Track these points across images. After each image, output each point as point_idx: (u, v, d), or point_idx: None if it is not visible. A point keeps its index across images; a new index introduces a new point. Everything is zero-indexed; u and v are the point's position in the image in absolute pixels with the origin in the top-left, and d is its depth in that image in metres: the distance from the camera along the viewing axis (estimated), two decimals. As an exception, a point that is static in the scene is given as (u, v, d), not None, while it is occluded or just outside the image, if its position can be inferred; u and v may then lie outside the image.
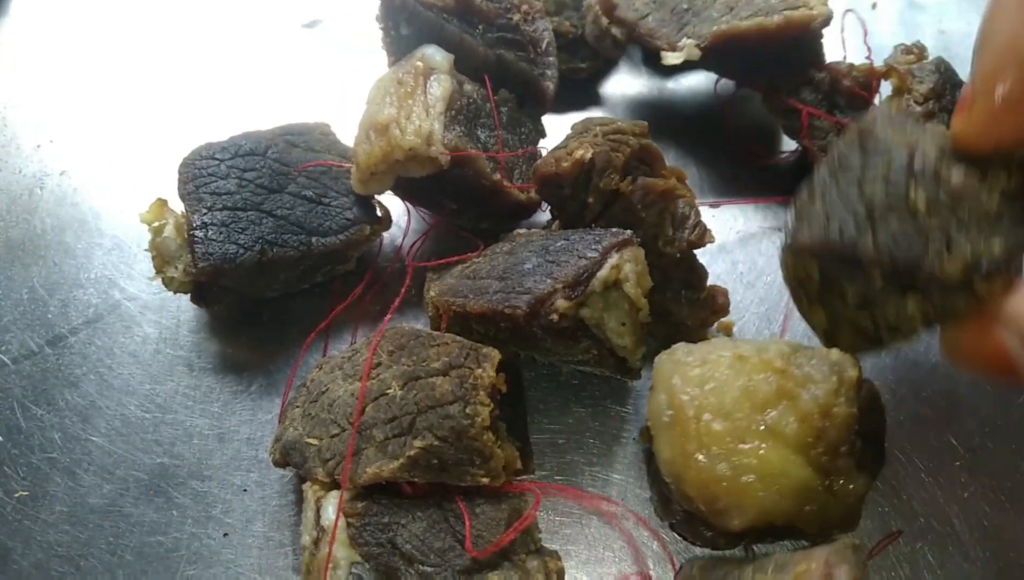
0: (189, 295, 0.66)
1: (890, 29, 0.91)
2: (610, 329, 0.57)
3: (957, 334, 0.47)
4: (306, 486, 0.56)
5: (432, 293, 0.60)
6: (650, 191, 0.61)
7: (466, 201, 0.68)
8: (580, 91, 0.83)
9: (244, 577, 0.60)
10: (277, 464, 0.59)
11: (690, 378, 0.53)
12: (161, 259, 0.63)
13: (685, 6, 0.74)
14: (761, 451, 0.50)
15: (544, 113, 0.74)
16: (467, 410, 0.51)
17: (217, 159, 0.65)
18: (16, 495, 0.63)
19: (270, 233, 0.63)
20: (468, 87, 0.66)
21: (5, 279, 0.73)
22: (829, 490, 0.51)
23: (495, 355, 0.54)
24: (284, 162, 0.66)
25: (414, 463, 0.51)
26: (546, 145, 0.71)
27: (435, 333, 0.57)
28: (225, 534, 0.61)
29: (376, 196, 0.69)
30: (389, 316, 0.62)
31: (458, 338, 0.55)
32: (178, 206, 0.65)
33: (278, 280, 0.66)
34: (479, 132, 0.66)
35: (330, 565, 0.51)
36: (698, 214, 0.63)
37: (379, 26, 0.68)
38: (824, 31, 0.71)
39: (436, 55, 0.65)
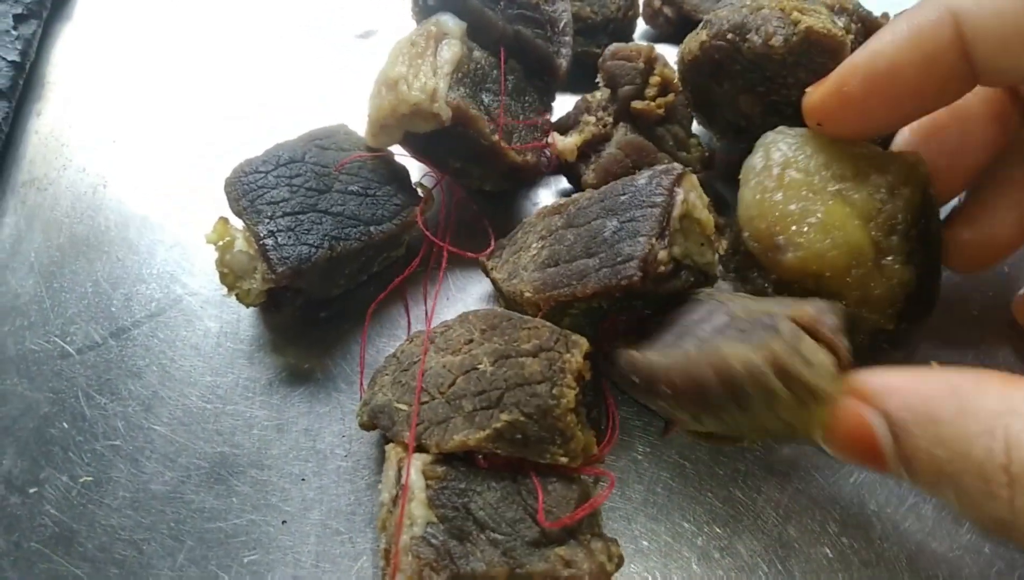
0: (263, 313, 0.69)
1: None
2: (695, 253, 0.60)
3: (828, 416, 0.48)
4: (389, 446, 0.58)
5: (527, 294, 0.62)
6: None
7: (468, 160, 0.72)
8: (595, 74, 0.86)
9: (302, 563, 0.61)
10: (364, 426, 0.61)
11: (787, 142, 0.61)
12: (233, 275, 0.65)
13: None
14: (829, 203, 0.57)
15: (555, 87, 0.78)
16: (554, 391, 0.53)
17: (262, 172, 0.67)
18: (81, 480, 0.65)
19: (333, 229, 0.66)
20: (477, 53, 0.71)
21: (70, 273, 0.76)
22: (877, 264, 0.58)
23: (584, 343, 0.56)
24: (322, 164, 0.69)
25: (499, 435, 0.53)
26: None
27: (526, 317, 0.59)
28: (283, 521, 0.63)
29: (417, 180, 0.74)
30: (436, 292, 0.65)
31: (548, 324, 0.58)
32: (237, 223, 0.67)
33: (343, 274, 0.69)
34: (483, 96, 0.70)
35: (407, 521, 0.53)
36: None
37: None
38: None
39: (450, 21, 0.69)
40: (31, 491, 0.65)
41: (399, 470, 0.56)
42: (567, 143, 0.70)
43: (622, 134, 0.69)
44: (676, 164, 0.61)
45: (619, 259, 0.57)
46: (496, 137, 0.68)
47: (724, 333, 0.51)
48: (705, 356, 0.50)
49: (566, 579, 0.52)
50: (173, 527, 0.63)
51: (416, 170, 0.75)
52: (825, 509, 0.63)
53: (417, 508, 0.53)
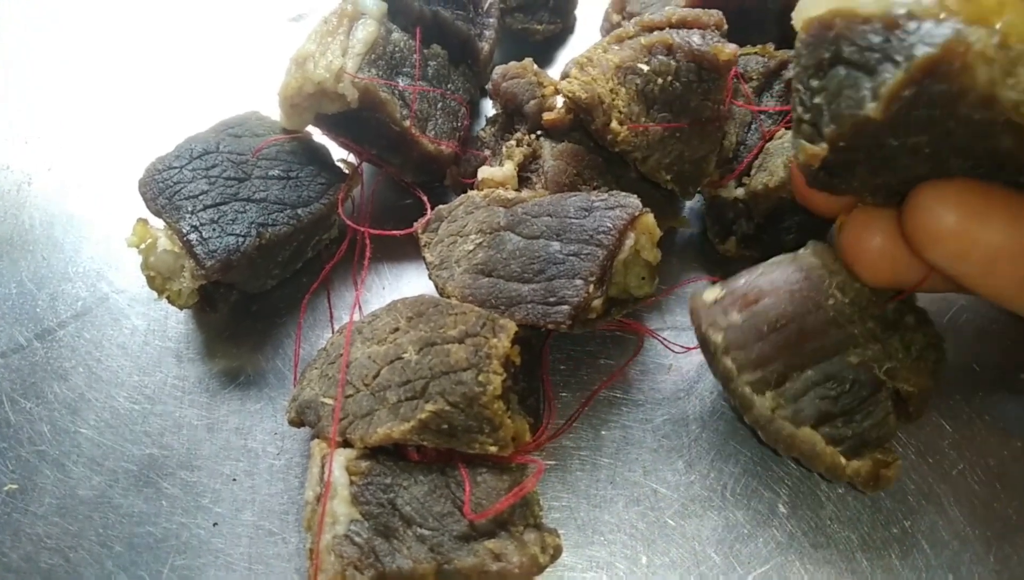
0: (194, 310, 0.66)
1: None
2: (633, 287, 0.59)
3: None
4: (314, 443, 0.56)
5: (453, 295, 0.61)
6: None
7: (383, 147, 0.69)
8: (535, 53, 0.83)
9: (234, 566, 0.59)
10: (292, 423, 0.59)
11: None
12: (160, 277, 0.63)
13: None
14: None
15: (483, 73, 0.76)
16: (479, 378, 0.51)
17: (176, 167, 0.65)
18: (5, 488, 0.63)
19: (259, 216, 0.63)
20: (396, 35, 0.68)
21: (-7, 274, 0.73)
22: None
23: (511, 327, 0.54)
24: (238, 152, 0.66)
25: (424, 426, 0.51)
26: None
27: (454, 303, 0.57)
28: (215, 523, 0.61)
29: (340, 157, 0.72)
30: (362, 280, 0.63)
31: (475, 308, 0.56)
32: (157, 223, 0.65)
33: (276, 263, 0.67)
34: (399, 80, 0.67)
35: (329, 520, 0.51)
36: None
37: None
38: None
39: (368, 1, 0.67)
40: (-47, 502, 0.63)
41: (323, 467, 0.54)
42: (505, 171, 0.66)
43: (551, 146, 0.67)
44: (633, 201, 0.58)
45: (552, 299, 0.57)
46: (408, 124, 0.66)
47: None
48: None
49: (496, 572, 0.50)
50: (101, 533, 0.61)
51: (337, 151, 0.72)
52: (774, 491, 0.62)
53: (340, 506, 0.52)
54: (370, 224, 0.70)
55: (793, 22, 0.49)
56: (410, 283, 0.72)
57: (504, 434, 0.51)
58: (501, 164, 0.67)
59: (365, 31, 0.65)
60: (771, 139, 0.67)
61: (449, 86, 0.71)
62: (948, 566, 0.58)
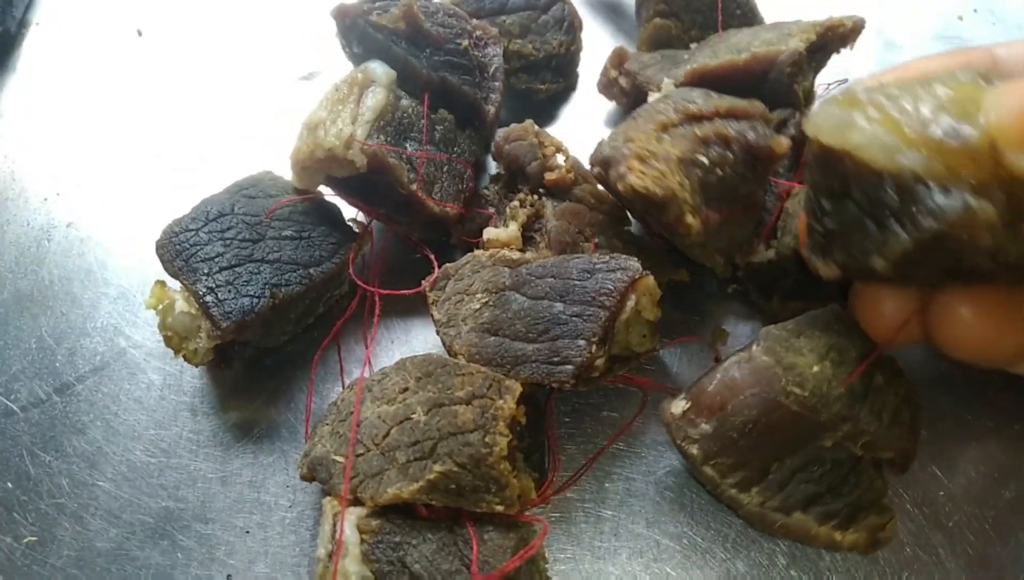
0: (208, 365, 0.68)
1: (867, 68, 0.92)
2: (634, 344, 0.61)
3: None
4: (326, 500, 0.58)
5: (460, 354, 0.62)
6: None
7: (391, 208, 0.72)
8: (539, 110, 0.87)
9: (248, 618, 0.61)
10: (304, 478, 0.61)
11: None
12: (178, 338, 0.65)
13: (685, 56, 0.78)
14: None
15: (489, 135, 0.78)
16: (486, 439, 0.53)
17: (192, 229, 0.67)
18: (25, 541, 0.65)
19: (272, 277, 0.66)
20: (405, 102, 0.71)
21: (14, 329, 0.75)
22: None
23: (516, 388, 0.56)
24: (252, 213, 0.69)
25: (433, 486, 0.53)
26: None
27: (461, 362, 0.60)
28: (228, 576, 0.63)
29: (351, 216, 0.74)
30: (371, 339, 0.64)
31: (482, 369, 0.58)
32: (174, 284, 0.67)
33: (290, 320, 0.69)
34: (407, 144, 0.70)
35: (341, 578, 0.53)
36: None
37: (340, 43, 0.74)
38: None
39: (378, 69, 0.70)
40: (-26, 554, 0.64)
41: (334, 524, 0.55)
42: (509, 231, 0.69)
43: (553, 206, 0.69)
44: (633, 263, 0.60)
45: (556, 359, 0.59)
46: (414, 187, 0.68)
47: None
48: None
49: None
50: (118, 586, 0.63)
51: (348, 209, 0.75)
52: (773, 542, 0.63)
53: (351, 564, 0.53)
54: (380, 280, 0.73)
55: (804, 128, 0.51)
56: (419, 337, 0.74)
57: (510, 493, 0.53)
58: (506, 224, 0.69)
59: (375, 99, 0.67)
60: (788, 198, 0.70)
61: (456, 149, 0.73)
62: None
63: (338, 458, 0.58)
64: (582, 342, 0.58)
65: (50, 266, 0.79)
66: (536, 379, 0.59)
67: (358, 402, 0.60)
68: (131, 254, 0.79)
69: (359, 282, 0.70)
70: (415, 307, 0.74)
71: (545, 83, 0.85)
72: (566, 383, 0.58)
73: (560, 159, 0.71)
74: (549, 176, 0.69)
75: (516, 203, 0.70)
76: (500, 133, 0.72)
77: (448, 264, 0.68)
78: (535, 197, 0.70)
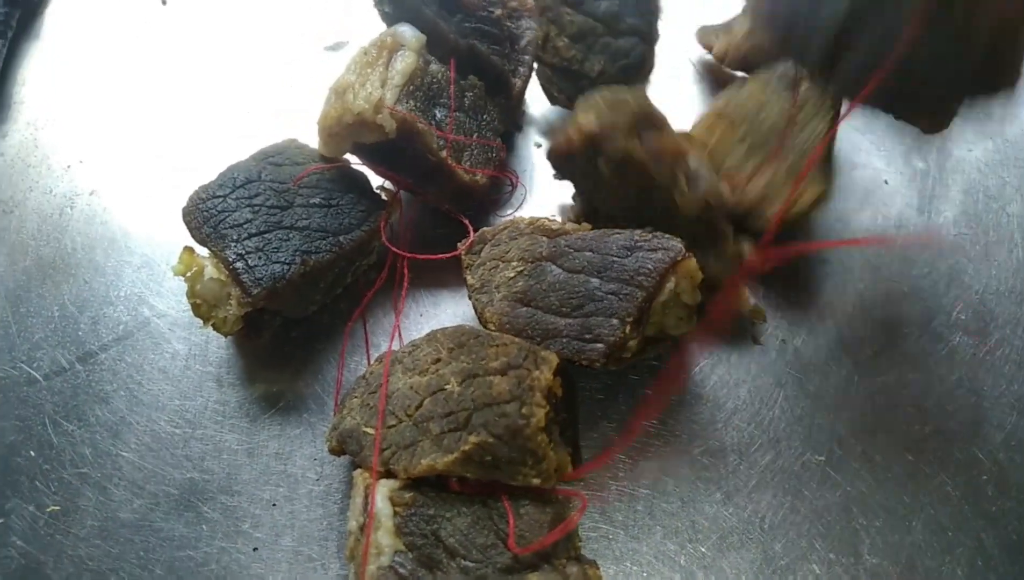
0: (235, 336, 0.67)
1: None
2: (671, 326, 0.60)
3: None
4: (356, 472, 0.56)
5: (491, 322, 0.62)
6: (660, 151, 0.62)
7: (420, 176, 0.70)
8: None
9: (273, 591, 0.60)
10: (332, 451, 0.59)
11: None
12: (207, 305, 0.63)
13: None
14: None
15: (517, 106, 0.76)
16: (523, 410, 0.51)
17: (220, 196, 0.66)
18: (48, 510, 0.64)
19: (302, 244, 0.64)
20: (434, 67, 0.69)
21: (36, 297, 0.74)
22: None
23: (553, 359, 0.54)
24: (280, 181, 0.67)
25: (468, 458, 0.52)
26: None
27: (494, 334, 0.58)
28: (255, 548, 0.62)
29: (379, 184, 0.73)
30: (399, 310, 0.63)
31: (516, 340, 0.56)
32: (202, 251, 0.66)
33: (319, 289, 0.68)
34: (435, 110, 0.68)
35: (373, 551, 0.52)
36: (710, 169, 0.65)
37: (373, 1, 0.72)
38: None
39: (407, 33, 0.68)
40: (-3, 522, 0.64)
41: (366, 497, 0.54)
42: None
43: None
44: (675, 244, 0.59)
45: (588, 336, 0.58)
46: (444, 154, 0.66)
47: None
48: None
49: None
50: (142, 556, 0.62)
51: (376, 178, 0.73)
52: (812, 524, 0.62)
53: (384, 537, 0.52)
54: (409, 250, 0.71)
55: None
56: (447, 310, 0.72)
57: (548, 466, 0.52)
58: None
59: (404, 63, 0.66)
60: None
61: (485, 117, 0.72)
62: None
63: (368, 430, 0.57)
64: (616, 321, 0.57)
65: (73, 234, 0.78)
66: (565, 355, 0.58)
67: (386, 373, 0.58)
68: (155, 222, 0.78)
69: (391, 247, 0.68)
70: (444, 279, 0.72)
71: (559, 92, 0.80)
72: (596, 362, 0.57)
73: None
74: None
75: None
76: None
77: (485, 228, 0.66)
78: None
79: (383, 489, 0.54)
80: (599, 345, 0.57)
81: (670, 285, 0.58)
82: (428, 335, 0.61)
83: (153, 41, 0.92)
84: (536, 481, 0.52)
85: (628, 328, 0.57)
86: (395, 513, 0.53)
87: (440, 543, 0.52)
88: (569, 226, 0.64)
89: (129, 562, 0.62)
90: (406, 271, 0.69)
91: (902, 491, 0.62)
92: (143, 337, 0.72)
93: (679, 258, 0.58)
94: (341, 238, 0.66)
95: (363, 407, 0.59)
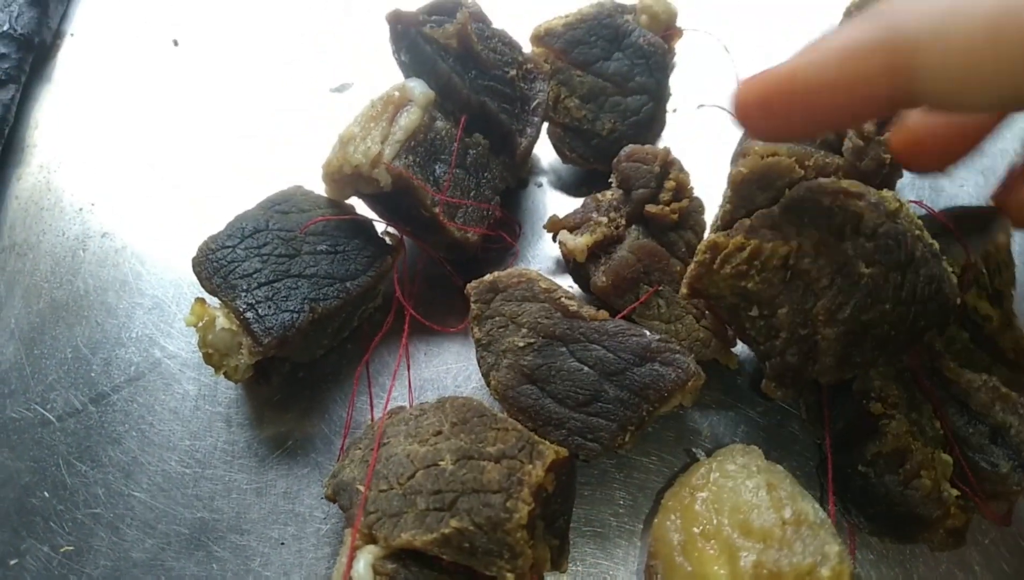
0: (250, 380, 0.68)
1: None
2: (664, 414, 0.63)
3: None
4: (346, 531, 0.57)
5: (495, 387, 0.63)
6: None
7: (417, 226, 0.72)
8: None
9: (282, 630, 0.61)
10: (328, 498, 0.60)
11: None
12: (218, 355, 0.65)
13: None
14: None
15: (520, 168, 0.78)
16: (508, 503, 0.51)
17: (229, 246, 0.67)
18: (62, 550, 0.65)
19: (311, 292, 0.66)
20: (440, 124, 0.70)
21: (50, 339, 0.76)
22: None
23: (549, 454, 0.55)
24: (287, 229, 0.69)
25: (446, 541, 0.52)
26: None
27: (499, 416, 0.59)
28: (264, 587, 0.63)
29: (383, 229, 0.75)
30: (398, 366, 0.64)
31: (519, 427, 0.57)
32: (212, 301, 0.67)
33: (326, 334, 0.70)
34: (436, 166, 0.70)
35: None
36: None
37: (391, 48, 0.73)
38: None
39: (417, 89, 0.69)
40: (12, 563, 0.65)
41: (349, 558, 0.54)
42: (578, 243, 0.68)
43: (634, 237, 0.68)
44: (690, 365, 0.60)
45: (588, 436, 0.60)
46: (437, 210, 0.68)
47: None
48: None
49: None
50: (154, 596, 0.63)
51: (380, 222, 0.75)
52: None
53: None
54: (416, 293, 0.73)
55: None
56: (452, 350, 0.74)
57: (523, 563, 0.52)
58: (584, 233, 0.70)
59: (408, 119, 0.67)
60: None
61: (486, 175, 0.73)
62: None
63: (361, 487, 0.57)
64: (616, 426, 0.59)
65: (85, 276, 0.80)
66: (564, 445, 0.59)
67: (378, 443, 0.59)
68: (166, 264, 0.80)
69: (402, 300, 0.70)
70: (449, 320, 0.73)
71: (571, 151, 0.81)
72: (590, 458, 0.60)
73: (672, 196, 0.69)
74: (650, 208, 0.68)
75: (604, 219, 0.69)
76: (625, 150, 0.70)
77: (498, 274, 0.66)
78: (622, 220, 0.69)
79: (367, 556, 0.54)
80: (596, 445, 0.60)
81: (675, 399, 0.60)
82: (438, 402, 0.61)
83: (163, 83, 0.94)
84: (510, 577, 0.52)
85: (628, 435, 0.60)
86: None
87: None
88: (586, 311, 0.63)
89: (141, 602, 0.63)
90: (406, 323, 0.70)
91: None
92: (154, 378, 0.73)
93: (687, 379, 0.60)
94: (348, 284, 0.68)
95: (362, 462, 0.59)
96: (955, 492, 0.55)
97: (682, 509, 0.56)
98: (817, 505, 0.54)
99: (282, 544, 0.65)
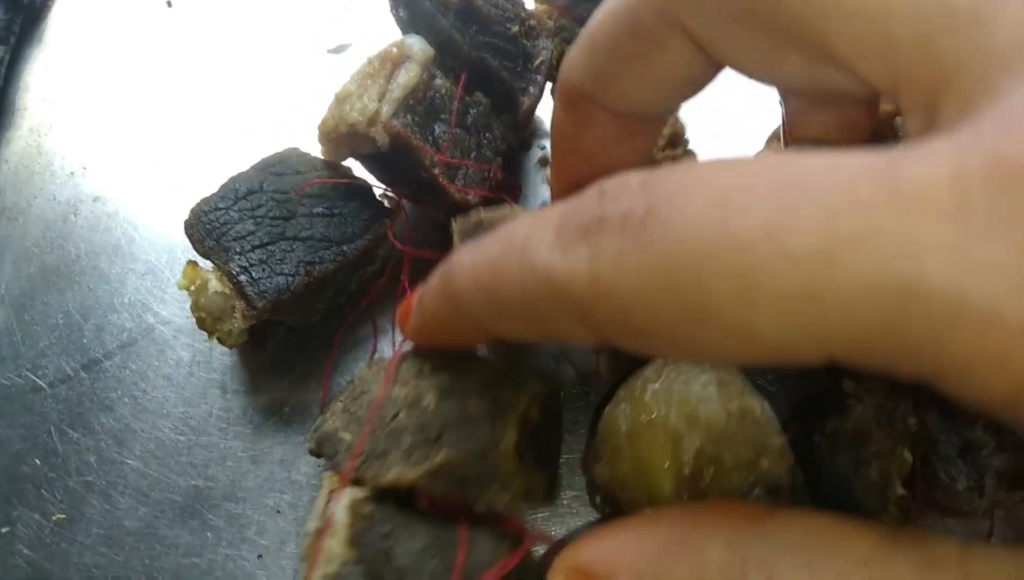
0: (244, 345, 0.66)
1: None
2: None
3: None
4: (326, 475, 0.55)
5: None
6: None
7: (416, 188, 0.69)
8: None
9: (279, 599, 0.60)
10: (312, 453, 0.58)
11: None
12: (211, 319, 0.63)
13: None
14: None
15: (522, 128, 0.75)
16: (495, 431, 0.50)
17: (222, 208, 0.65)
18: (54, 518, 0.64)
19: (306, 255, 0.64)
20: (439, 82, 0.68)
21: (41, 305, 0.74)
22: None
23: (534, 384, 0.53)
24: (282, 190, 0.67)
25: (435, 474, 0.50)
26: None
27: (481, 356, 0.57)
28: (259, 556, 0.62)
29: (381, 192, 0.71)
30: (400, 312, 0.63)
31: (502, 363, 0.56)
32: (205, 264, 0.65)
33: (322, 299, 0.67)
34: (435, 125, 0.67)
35: (323, 557, 0.50)
36: None
37: (389, 5, 0.70)
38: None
39: (415, 46, 0.66)
40: (3, 531, 0.64)
41: (328, 501, 0.53)
42: None
43: None
44: None
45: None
46: (437, 172, 0.66)
47: None
48: None
49: None
50: (147, 564, 0.62)
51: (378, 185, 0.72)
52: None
53: (337, 545, 0.51)
54: (412, 258, 0.71)
55: None
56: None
57: (515, 490, 0.50)
58: None
59: (407, 76, 0.65)
60: None
61: (488, 135, 0.71)
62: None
63: (345, 435, 0.55)
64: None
65: (76, 241, 0.78)
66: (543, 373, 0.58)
67: (388, 381, 0.58)
68: (159, 229, 0.78)
69: (396, 243, 0.68)
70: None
71: None
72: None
73: None
74: None
75: None
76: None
77: (483, 211, 0.62)
78: None
79: (346, 498, 0.52)
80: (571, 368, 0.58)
81: None
82: (417, 347, 0.59)
83: (157, 44, 0.92)
84: (503, 504, 0.50)
85: (603, 362, 0.57)
86: (352, 523, 0.51)
87: (390, 562, 0.50)
88: None
89: (135, 570, 0.62)
90: (406, 265, 0.68)
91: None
92: (147, 344, 0.72)
93: None
94: (345, 247, 0.66)
95: (344, 412, 0.57)
96: (902, 492, 0.54)
97: (633, 399, 0.54)
98: (766, 403, 0.52)
99: (278, 512, 0.63)
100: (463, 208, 0.68)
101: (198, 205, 0.66)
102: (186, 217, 0.66)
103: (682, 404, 0.52)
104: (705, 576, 0.33)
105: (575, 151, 0.48)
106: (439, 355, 0.57)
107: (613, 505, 0.55)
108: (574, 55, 0.44)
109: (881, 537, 0.30)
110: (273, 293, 0.62)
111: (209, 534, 0.63)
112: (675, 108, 0.50)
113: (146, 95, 0.88)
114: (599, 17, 0.43)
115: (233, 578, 0.61)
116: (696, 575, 0.33)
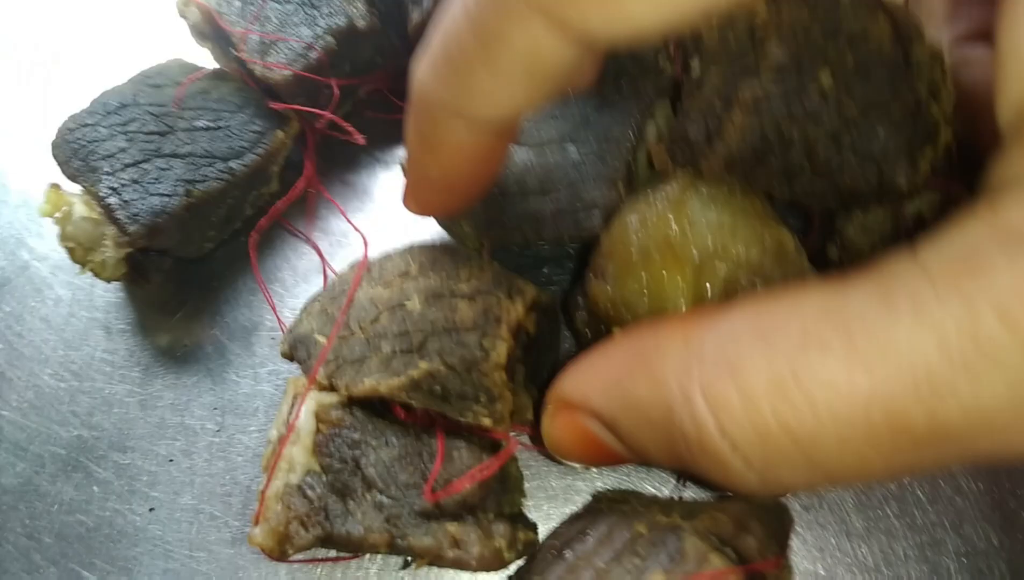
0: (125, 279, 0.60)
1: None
2: None
3: (548, 428, 0.44)
4: (290, 379, 0.52)
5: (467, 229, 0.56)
6: None
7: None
8: None
9: (173, 554, 0.55)
10: (284, 355, 0.54)
11: None
12: (81, 248, 0.57)
13: None
14: None
15: (411, 41, 0.64)
16: (484, 342, 0.45)
17: (90, 124, 0.59)
18: (-79, 478, 0.58)
19: (186, 173, 0.58)
20: None
21: (-99, 244, 0.67)
22: None
23: (530, 291, 0.48)
24: (159, 103, 0.60)
25: (415, 385, 0.46)
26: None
27: (473, 254, 0.52)
28: (151, 509, 0.57)
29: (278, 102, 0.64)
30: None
31: (496, 266, 0.51)
32: (74, 188, 0.59)
33: (211, 224, 0.61)
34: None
35: (284, 466, 0.47)
36: None
37: None
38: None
39: None
40: None
41: (292, 406, 0.49)
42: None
43: None
44: None
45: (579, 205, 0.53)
46: (241, 46, 0.60)
47: (622, 563, 0.44)
48: None
49: (451, 559, 0.45)
50: (28, 524, 0.56)
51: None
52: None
53: (299, 453, 0.47)
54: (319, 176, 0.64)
55: None
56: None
57: (502, 407, 0.46)
58: None
59: None
60: None
61: (321, 10, 0.63)
62: (950, 523, 0.54)
63: (320, 338, 0.50)
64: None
65: (-61, 172, 0.70)
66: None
67: (357, 280, 0.51)
68: (32, 157, 0.70)
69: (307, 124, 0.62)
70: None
71: None
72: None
73: None
74: None
75: None
76: None
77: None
78: None
79: (311, 403, 0.48)
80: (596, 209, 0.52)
81: None
82: (405, 247, 0.54)
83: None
84: (487, 422, 0.46)
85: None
86: (317, 430, 0.48)
87: (359, 472, 0.47)
88: None
89: (14, 531, 0.56)
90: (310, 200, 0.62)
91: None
92: (22, 283, 0.65)
93: None
94: (232, 164, 0.59)
95: (321, 313, 0.52)
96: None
97: (653, 214, 0.47)
98: (796, 239, 0.47)
99: (170, 461, 0.58)
100: (274, 88, 0.62)
101: (64, 123, 0.59)
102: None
103: (718, 229, 0.45)
104: (662, 388, 0.33)
105: (432, 153, 0.43)
106: (429, 253, 0.52)
107: (596, 329, 0.50)
108: (424, 67, 0.39)
109: (832, 284, 0.30)
110: (147, 216, 0.55)
111: (95, 488, 0.57)
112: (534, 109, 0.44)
113: (10, 14, 0.79)
114: (443, 24, 0.37)
115: (123, 534, 0.56)
116: (654, 389, 0.34)
